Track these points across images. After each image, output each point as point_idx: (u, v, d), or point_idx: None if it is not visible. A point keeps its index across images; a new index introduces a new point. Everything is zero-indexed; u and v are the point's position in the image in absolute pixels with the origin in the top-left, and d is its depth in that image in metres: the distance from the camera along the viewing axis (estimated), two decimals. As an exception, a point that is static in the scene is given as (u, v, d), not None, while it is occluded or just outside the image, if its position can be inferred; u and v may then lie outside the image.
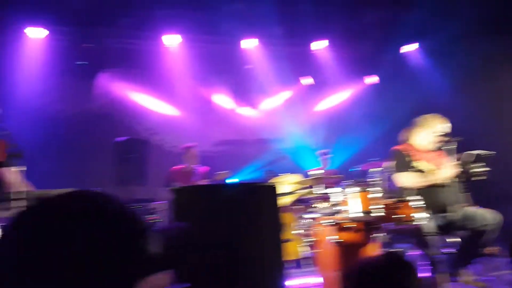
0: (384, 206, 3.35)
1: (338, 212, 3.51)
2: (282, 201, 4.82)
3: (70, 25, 6.50)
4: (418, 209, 3.40)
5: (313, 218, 3.84)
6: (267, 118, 8.00)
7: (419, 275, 1.44)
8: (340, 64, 7.73)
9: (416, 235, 3.48)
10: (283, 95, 8.05)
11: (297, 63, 7.58)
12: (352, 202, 3.39)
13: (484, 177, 3.72)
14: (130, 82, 7.21)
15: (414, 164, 3.84)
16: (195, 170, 5.90)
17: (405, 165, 3.84)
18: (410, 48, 7.98)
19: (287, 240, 4.29)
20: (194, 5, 6.41)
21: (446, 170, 3.75)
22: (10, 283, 0.56)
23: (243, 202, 2.41)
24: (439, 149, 3.92)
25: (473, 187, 3.88)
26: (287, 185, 5.19)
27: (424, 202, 3.42)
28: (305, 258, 4.33)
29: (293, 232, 4.63)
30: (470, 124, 5.63)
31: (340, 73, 7.77)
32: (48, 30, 6.46)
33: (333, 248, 3.38)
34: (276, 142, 7.69)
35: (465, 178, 3.82)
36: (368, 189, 3.39)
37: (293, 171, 5.85)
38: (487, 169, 3.71)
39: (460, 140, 3.82)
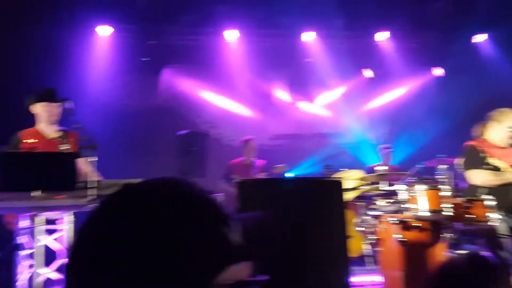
0: (453, 205, 3.22)
1: (403, 209, 3.40)
2: (345, 197, 4.73)
3: (135, 23, 6.76)
4: (490, 209, 3.24)
5: (376, 216, 3.76)
6: (326, 112, 7.89)
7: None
8: (403, 55, 7.45)
9: (489, 236, 3.31)
10: (342, 89, 7.90)
11: (357, 55, 7.39)
12: (420, 200, 3.28)
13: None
14: (191, 77, 7.37)
15: (489, 161, 3.64)
16: (254, 163, 5.96)
17: (478, 161, 3.64)
18: (479, 39, 7.56)
19: (350, 237, 4.22)
20: (253, -1, 6.46)
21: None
22: (94, 265, 0.56)
23: (311, 197, 2.40)
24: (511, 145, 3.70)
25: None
26: (349, 181, 5.10)
27: (496, 202, 3.25)
28: (366, 256, 4.25)
29: (354, 228, 4.54)
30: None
31: (403, 65, 7.49)
32: (113, 28, 6.75)
33: (397, 247, 3.29)
34: (335, 136, 7.57)
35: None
36: (438, 187, 3.25)
37: (352, 166, 5.72)
38: None
39: None
